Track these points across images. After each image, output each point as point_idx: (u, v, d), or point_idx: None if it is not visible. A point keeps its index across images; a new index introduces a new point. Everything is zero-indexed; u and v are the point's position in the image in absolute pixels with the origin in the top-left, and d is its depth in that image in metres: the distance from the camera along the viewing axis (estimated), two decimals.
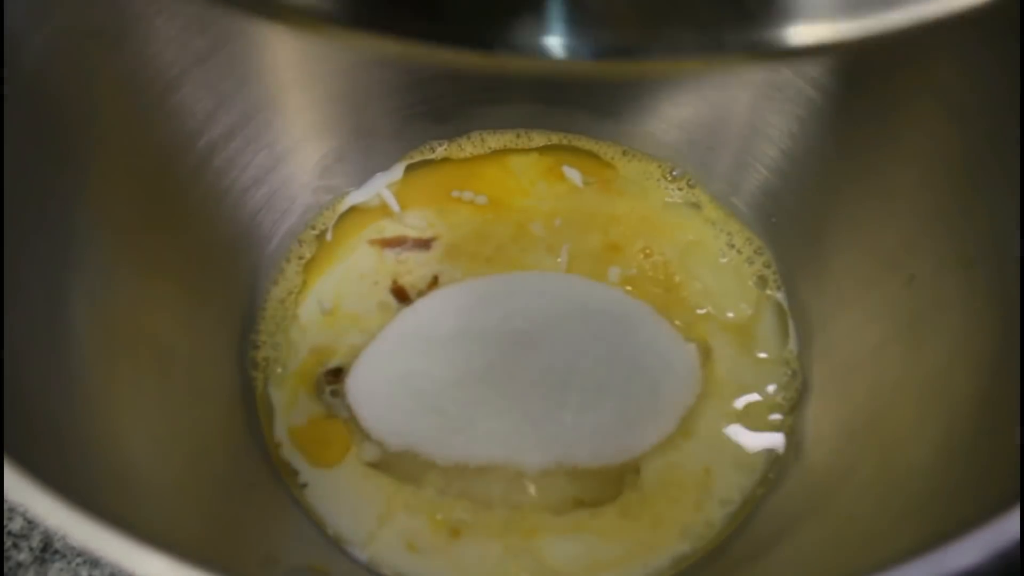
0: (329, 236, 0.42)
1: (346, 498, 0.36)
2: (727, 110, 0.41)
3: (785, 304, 0.40)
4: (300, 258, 0.41)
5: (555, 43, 0.14)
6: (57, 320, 0.29)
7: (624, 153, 0.44)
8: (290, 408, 0.38)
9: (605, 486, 0.36)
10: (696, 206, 0.43)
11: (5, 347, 0.25)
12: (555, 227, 0.42)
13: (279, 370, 0.39)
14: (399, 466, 0.36)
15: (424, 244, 0.42)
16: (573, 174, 0.44)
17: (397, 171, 0.44)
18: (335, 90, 0.41)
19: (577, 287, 0.40)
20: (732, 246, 0.41)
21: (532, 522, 0.35)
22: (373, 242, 0.42)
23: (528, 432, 0.36)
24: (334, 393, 0.38)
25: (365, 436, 0.37)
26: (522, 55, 0.14)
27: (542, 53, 0.14)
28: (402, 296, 0.40)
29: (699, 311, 0.40)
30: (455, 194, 0.43)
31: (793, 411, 0.37)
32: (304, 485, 0.36)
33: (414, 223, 0.42)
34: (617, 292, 0.40)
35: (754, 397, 0.38)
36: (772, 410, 0.37)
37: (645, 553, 0.34)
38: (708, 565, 0.34)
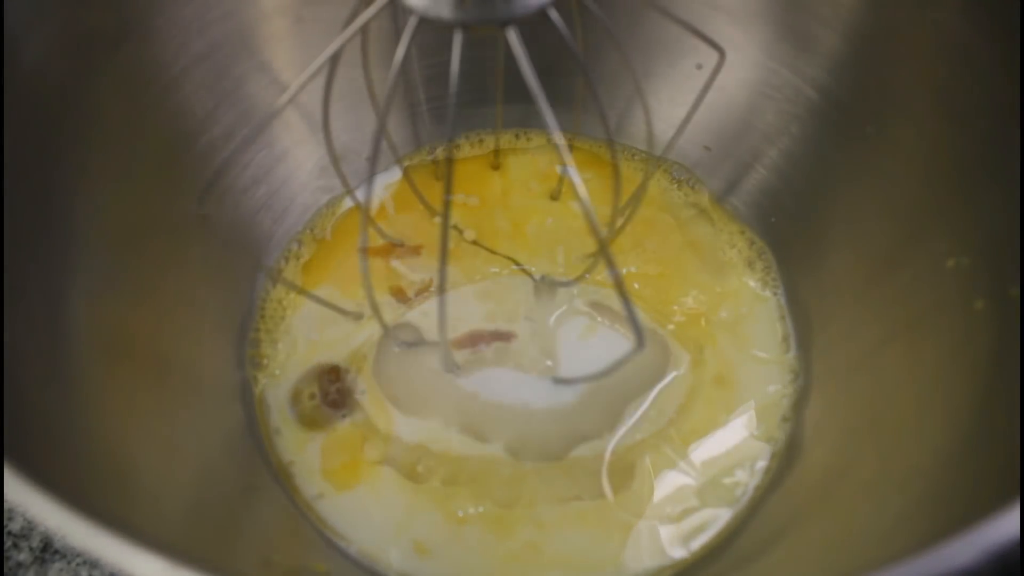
0: (328, 236, 0.42)
1: (363, 510, 0.36)
2: (727, 110, 0.41)
3: (785, 304, 0.40)
4: (298, 258, 0.41)
5: None
6: (57, 321, 0.29)
7: (623, 152, 0.44)
8: (289, 408, 0.38)
9: (603, 483, 0.36)
10: (696, 206, 0.43)
11: (5, 347, 0.25)
12: (548, 227, 0.42)
13: (277, 371, 0.39)
14: (404, 462, 0.36)
15: (415, 251, 0.42)
16: (569, 173, 0.43)
17: (396, 172, 0.44)
18: (334, 90, 0.41)
19: (571, 288, 0.40)
20: (732, 246, 0.41)
21: (532, 516, 0.35)
22: (363, 250, 0.42)
23: (527, 429, 0.36)
24: (338, 391, 0.38)
25: (372, 433, 0.37)
26: None
27: None
28: (401, 297, 0.40)
29: (697, 311, 0.40)
30: (448, 197, 0.43)
31: (793, 411, 0.37)
32: (320, 497, 0.36)
33: (409, 226, 0.42)
34: (610, 292, 0.40)
35: (754, 397, 0.38)
36: (772, 410, 0.37)
37: (644, 551, 0.34)
38: (708, 564, 0.34)
